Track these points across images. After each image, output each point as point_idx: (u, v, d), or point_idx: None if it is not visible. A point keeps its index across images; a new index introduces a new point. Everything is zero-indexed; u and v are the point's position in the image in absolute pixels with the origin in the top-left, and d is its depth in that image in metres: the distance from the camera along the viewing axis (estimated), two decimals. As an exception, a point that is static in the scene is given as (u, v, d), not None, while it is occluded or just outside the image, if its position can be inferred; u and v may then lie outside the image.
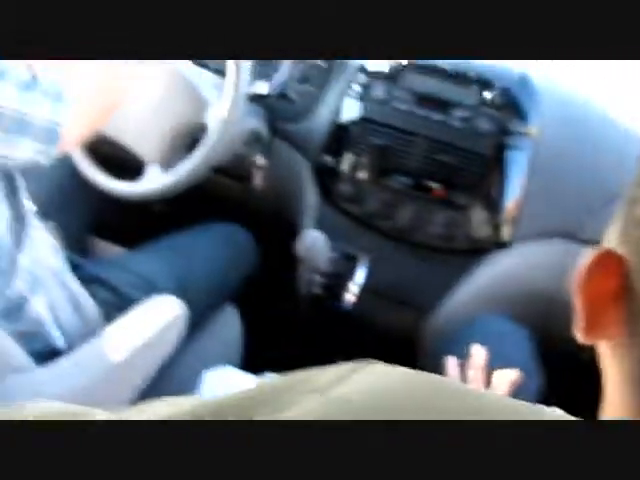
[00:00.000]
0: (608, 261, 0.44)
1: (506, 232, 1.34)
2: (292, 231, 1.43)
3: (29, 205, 1.02)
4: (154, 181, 1.31)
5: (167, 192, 1.30)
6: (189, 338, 1.23)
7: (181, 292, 1.23)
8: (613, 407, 0.47)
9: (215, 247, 1.41)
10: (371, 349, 1.46)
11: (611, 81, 1.47)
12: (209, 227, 1.45)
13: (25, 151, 0.90)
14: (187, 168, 1.27)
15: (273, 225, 1.54)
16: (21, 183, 1.00)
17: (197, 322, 1.29)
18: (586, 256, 0.45)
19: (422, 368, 0.43)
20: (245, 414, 0.40)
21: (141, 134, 1.32)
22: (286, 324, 1.51)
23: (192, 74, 1.33)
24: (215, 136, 1.26)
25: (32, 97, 0.89)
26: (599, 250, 0.45)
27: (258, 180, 1.45)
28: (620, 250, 0.44)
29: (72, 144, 1.04)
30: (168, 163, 1.32)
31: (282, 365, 1.30)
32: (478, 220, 1.34)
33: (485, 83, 1.33)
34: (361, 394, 0.40)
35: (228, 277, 1.41)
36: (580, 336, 0.46)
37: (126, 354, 1.06)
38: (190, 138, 1.34)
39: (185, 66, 1.34)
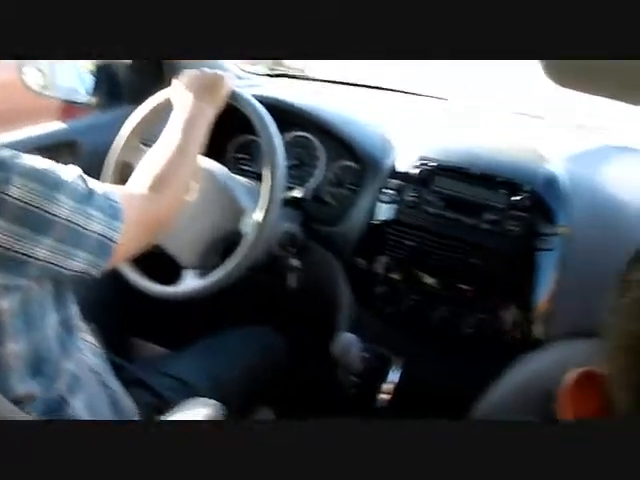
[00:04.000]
0: (591, 380, 0.45)
1: (539, 331, 1.34)
2: (327, 332, 1.45)
3: (75, 310, 1.06)
4: (189, 285, 1.36)
5: (201, 295, 1.35)
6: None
7: (217, 393, 1.25)
8: None
9: (249, 350, 1.44)
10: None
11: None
12: (243, 329, 1.48)
13: (78, 263, 0.94)
14: (221, 274, 1.32)
15: (308, 326, 1.56)
16: (69, 289, 1.03)
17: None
18: (568, 376, 0.46)
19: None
20: None
21: (178, 239, 1.37)
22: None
23: (229, 181, 1.39)
24: (250, 244, 1.31)
25: (88, 210, 0.93)
26: (581, 370, 0.46)
27: (292, 281, 1.48)
28: (602, 368, 0.45)
29: (123, 259, 1.09)
30: (204, 267, 1.37)
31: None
32: (510, 320, 1.35)
33: (513, 186, 1.36)
34: None
35: (262, 378, 1.43)
36: None
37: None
38: (226, 244, 1.39)
39: (223, 173, 1.40)
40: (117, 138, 1.41)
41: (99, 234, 0.95)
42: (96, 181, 1.00)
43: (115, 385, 1.17)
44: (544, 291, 1.34)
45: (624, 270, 0.48)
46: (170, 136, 1.19)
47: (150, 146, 1.20)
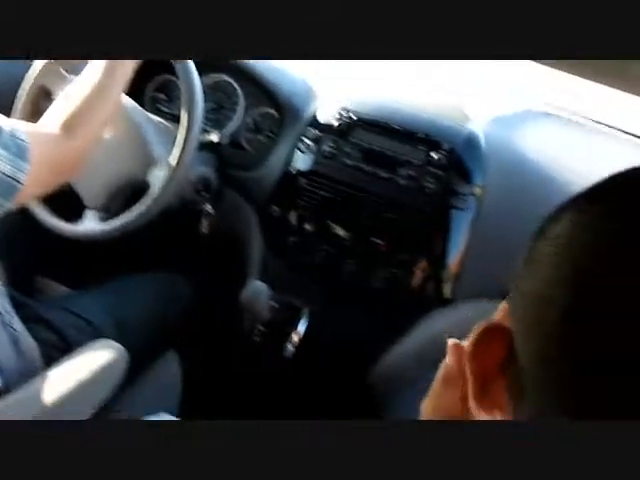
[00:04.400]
0: (495, 332, 0.46)
1: (448, 289, 1.36)
2: (236, 280, 1.44)
3: None
4: (88, 227, 1.33)
5: (100, 239, 1.32)
6: (129, 383, 1.22)
7: (121, 336, 1.23)
8: None
9: (156, 294, 1.42)
10: (310, 398, 1.47)
11: (557, 142, 1.51)
12: (152, 273, 1.45)
13: None
14: (123, 221, 1.30)
15: (217, 273, 1.55)
16: None
17: (137, 367, 1.28)
18: (477, 327, 0.46)
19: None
20: None
21: (86, 178, 1.33)
22: (226, 372, 1.50)
23: (145, 125, 1.34)
24: (155, 196, 1.28)
25: None
26: (488, 322, 0.47)
27: (204, 227, 1.45)
28: (507, 323, 0.46)
29: (29, 200, 1.04)
30: (107, 211, 1.34)
31: (221, 413, 1.30)
32: (420, 277, 1.36)
33: (432, 143, 1.36)
34: None
35: (168, 323, 1.41)
36: (472, 407, 0.47)
37: (63, 397, 1.05)
38: (133, 191, 1.36)
39: (140, 115, 1.35)
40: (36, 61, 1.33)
41: (3, 174, 0.90)
42: (3, 116, 0.95)
43: (18, 325, 1.13)
44: (456, 250, 1.35)
45: (534, 234, 0.48)
46: (92, 73, 1.12)
47: (73, 73, 1.14)
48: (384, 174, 1.36)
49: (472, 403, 0.47)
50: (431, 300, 1.36)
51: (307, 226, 1.39)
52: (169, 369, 1.42)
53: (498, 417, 0.47)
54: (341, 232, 1.37)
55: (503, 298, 1.40)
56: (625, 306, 0.38)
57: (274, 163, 1.45)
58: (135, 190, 1.35)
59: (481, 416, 0.47)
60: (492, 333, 0.46)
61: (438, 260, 1.34)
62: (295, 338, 1.36)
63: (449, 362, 0.63)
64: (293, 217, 1.40)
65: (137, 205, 1.30)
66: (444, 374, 0.64)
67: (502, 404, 0.46)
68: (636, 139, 1.51)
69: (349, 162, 1.38)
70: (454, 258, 1.34)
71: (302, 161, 1.41)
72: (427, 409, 0.65)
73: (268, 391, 1.47)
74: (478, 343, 0.46)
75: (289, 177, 1.42)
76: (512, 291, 0.48)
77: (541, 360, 0.42)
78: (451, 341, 0.64)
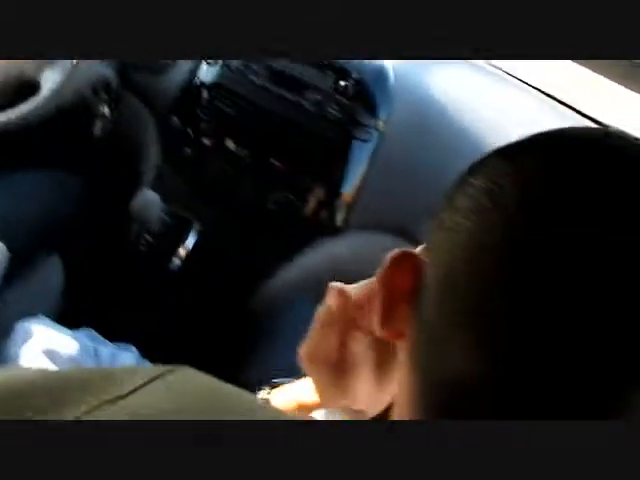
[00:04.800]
0: (408, 261, 0.46)
1: (340, 219, 1.36)
2: (129, 187, 1.40)
3: None
4: None
5: None
6: (9, 284, 1.19)
7: (3, 234, 1.18)
8: (399, 407, 0.48)
9: (47, 192, 1.37)
10: (193, 314, 1.46)
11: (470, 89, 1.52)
12: (39, 171, 1.39)
13: None
14: (6, 118, 1.23)
15: (110, 178, 1.50)
16: None
17: (19, 268, 1.24)
18: (391, 253, 0.47)
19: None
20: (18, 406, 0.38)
21: None
22: (109, 280, 1.48)
23: None
24: (45, 97, 1.22)
25: None
26: (401, 249, 0.47)
27: (98, 130, 1.40)
28: (421, 253, 0.46)
29: None
30: None
31: (100, 321, 1.28)
32: (315, 203, 1.35)
33: (342, 71, 1.35)
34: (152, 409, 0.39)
35: (55, 224, 1.37)
36: (375, 329, 0.47)
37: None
38: (22, 90, 1.29)
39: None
40: None
41: None
42: None
43: None
44: (352, 180, 1.35)
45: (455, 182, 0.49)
46: None
47: None
48: (290, 96, 1.34)
49: (376, 327, 0.47)
50: (322, 228, 1.37)
51: (206, 140, 1.36)
52: (51, 273, 1.38)
53: (400, 346, 0.48)
54: (240, 150, 1.35)
55: (393, 232, 1.41)
56: (550, 256, 0.38)
57: (180, 72, 1.41)
58: (26, 90, 1.27)
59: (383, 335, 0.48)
60: (404, 260, 0.47)
61: (334, 188, 1.34)
62: (182, 252, 1.35)
63: (329, 305, 0.64)
64: (193, 130, 1.36)
65: (25, 104, 1.23)
66: (323, 317, 0.64)
67: (404, 332, 0.46)
68: (541, 94, 1.53)
69: (256, 80, 1.35)
70: (350, 188, 1.35)
71: (208, 73, 1.37)
72: (305, 352, 0.65)
73: (148, 303, 1.45)
74: (389, 269, 0.47)
75: (193, 88, 1.38)
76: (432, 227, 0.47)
77: (447, 285, 0.42)
78: (333, 284, 0.64)
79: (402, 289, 0.46)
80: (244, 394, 0.43)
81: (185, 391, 0.41)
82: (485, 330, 0.40)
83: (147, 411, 0.38)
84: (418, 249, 0.50)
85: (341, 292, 0.63)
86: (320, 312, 0.64)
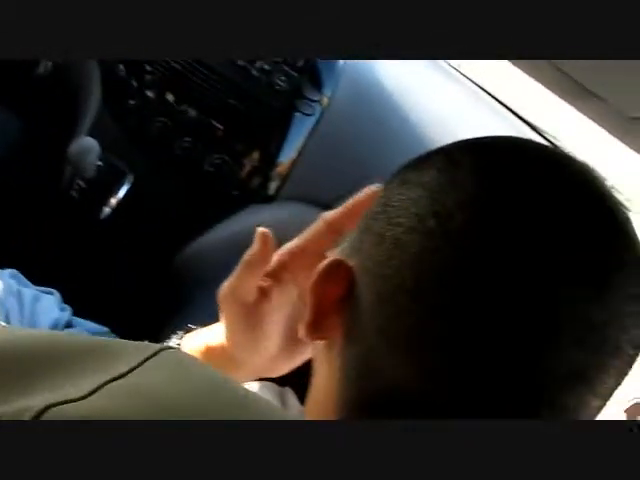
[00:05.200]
0: (338, 269, 0.47)
1: (273, 187, 1.38)
2: (67, 131, 1.39)
3: None
4: None
5: None
6: None
7: None
8: (316, 405, 0.50)
9: None
10: (118, 265, 1.47)
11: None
12: None
13: None
14: None
15: (51, 120, 1.49)
16: None
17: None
18: (322, 262, 0.48)
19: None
20: None
21: None
22: (38, 223, 1.47)
23: None
24: None
25: None
26: (333, 258, 0.48)
27: (42, 69, 1.39)
28: (350, 260, 0.47)
29: None
30: None
31: (26, 263, 1.27)
32: (250, 169, 1.37)
33: (293, 43, 1.36)
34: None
35: None
36: (303, 333, 0.49)
37: None
38: None
39: None
40: None
41: None
42: None
43: None
44: (289, 151, 1.37)
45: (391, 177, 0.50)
46: None
47: None
48: (239, 61, 1.35)
49: (303, 331, 0.49)
50: (254, 194, 1.38)
51: (149, 93, 1.35)
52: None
53: (322, 345, 0.50)
54: (183, 107, 1.35)
55: (321, 206, 1.45)
56: (487, 260, 0.40)
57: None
58: None
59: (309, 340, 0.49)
60: (336, 270, 0.48)
61: (270, 157, 1.36)
62: (113, 202, 1.35)
63: (255, 248, 0.65)
64: (137, 80, 1.36)
65: None
66: (248, 258, 0.66)
67: (333, 340, 0.48)
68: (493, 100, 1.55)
69: (207, 40, 1.35)
70: (286, 159, 1.37)
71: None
72: (225, 290, 0.66)
73: (75, 249, 1.45)
74: (321, 278, 0.48)
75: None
76: (359, 229, 0.49)
77: (384, 300, 0.43)
78: (261, 229, 0.66)
79: (332, 299, 0.47)
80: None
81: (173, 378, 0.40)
82: (421, 348, 0.41)
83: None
84: (339, 248, 0.51)
85: (265, 236, 0.64)
86: (246, 255, 0.65)
